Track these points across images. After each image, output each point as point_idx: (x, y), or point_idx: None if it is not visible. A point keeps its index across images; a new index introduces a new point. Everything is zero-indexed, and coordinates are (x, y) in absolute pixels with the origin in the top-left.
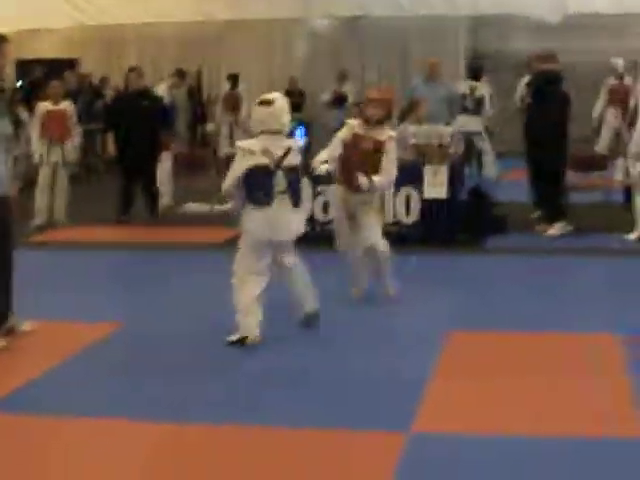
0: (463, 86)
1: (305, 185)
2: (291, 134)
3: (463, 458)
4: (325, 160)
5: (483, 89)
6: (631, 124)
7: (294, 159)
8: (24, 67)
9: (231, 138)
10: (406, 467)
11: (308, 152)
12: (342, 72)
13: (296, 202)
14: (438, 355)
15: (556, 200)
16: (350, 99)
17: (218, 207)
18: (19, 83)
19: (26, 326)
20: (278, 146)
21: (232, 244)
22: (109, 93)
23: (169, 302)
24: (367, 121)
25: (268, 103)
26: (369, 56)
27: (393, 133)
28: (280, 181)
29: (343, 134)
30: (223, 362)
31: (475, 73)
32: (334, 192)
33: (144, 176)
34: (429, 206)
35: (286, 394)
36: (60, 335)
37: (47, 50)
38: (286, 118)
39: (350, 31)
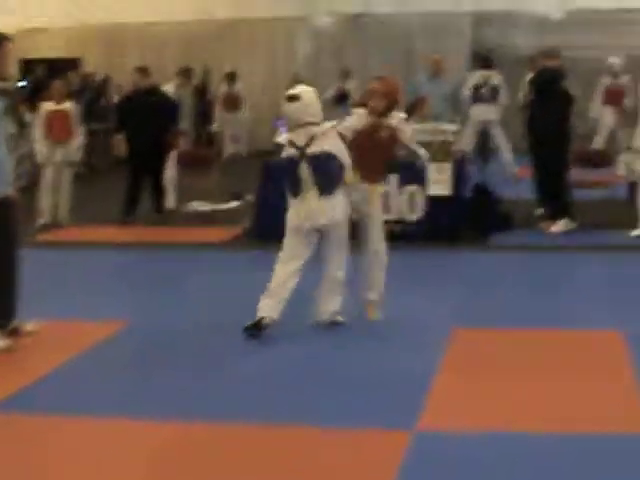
0: (475, 77)
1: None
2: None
3: (469, 455)
4: None
5: (497, 77)
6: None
7: (319, 146)
8: (27, 66)
9: (235, 137)
10: (411, 465)
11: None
12: (345, 69)
13: (323, 189)
14: (443, 352)
15: (560, 197)
16: (353, 96)
17: (222, 206)
18: (22, 83)
19: (30, 326)
20: (303, 136)
21: (236, 243)
22: (112, 92)
23: (174, 301)
24: (372, 112)
25: (295, 98)
26: (372, 53)
27: (402, 115)
28: (304, 171)
29: (356, 122)
30: (230, 359)
31: (487, 62)
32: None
33: (152, 174)
34: (433, 203)
35: (292, 392)
36: (66, 334)
37: (49, 49)
38: (315, 109)
39: (353, 28)
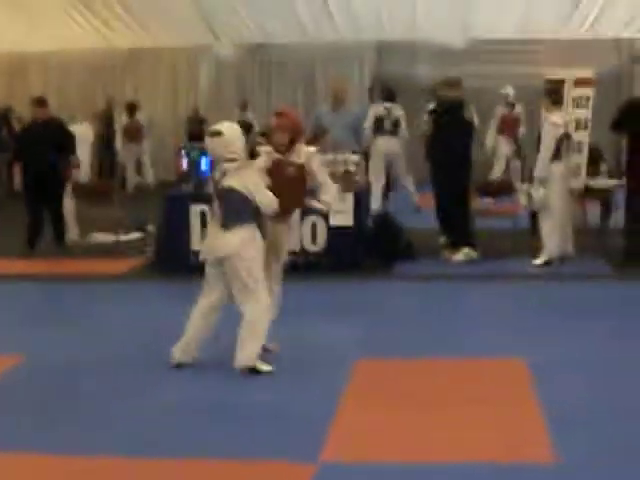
0: (377, 108)
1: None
2: (196, 163)
3: None
4: None
5: (399, 110)
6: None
7: (227, 181)
8: None
9: (138, 168)
10: None
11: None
12: (243, 101)
13: (224, 223)
14: (347, 383)
15: (461, 226)
16: (255, 127)
17: (124, 237)
18: None
19: None
20: (219, 171)
21: (137, 274)
22: (14, 123)
23: (75, 334)
24: (277, 149)
25: (217, 134)
26: (274, 83)
27: (310, 149)
28: (215, 205)
29: (263, 162)
30: (133, 393)
31: (390, 94)
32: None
33: (49, 205)
34: (335, 233)
35: (196, 426)
36: None
37: None
38: (237, 146)
39: (255, 58)
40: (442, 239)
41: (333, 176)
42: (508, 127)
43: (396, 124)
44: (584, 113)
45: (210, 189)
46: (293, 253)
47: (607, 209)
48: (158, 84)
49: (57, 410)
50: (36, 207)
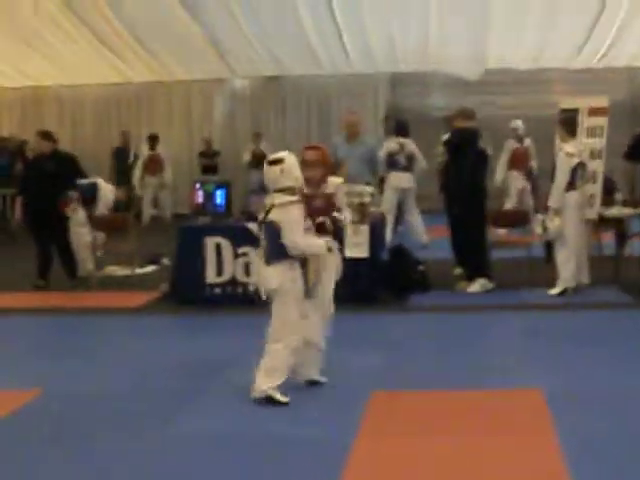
0: (390, 143)
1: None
2: (211, 196)
3: None
4: None
5: (412, 145)
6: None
7: (274, 215)
8: None
9: (156, 201)
10: None
11: (230, 214)
12: (256, 132)
13: (267, 258)
14: (362, 416)
15: (476, 257)
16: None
17: (139, 270)
18: None
19: None
20: (268, 203)
21: (151, 307)
22: (28, 157)
23: (91, 367)
24: (309, 183)
25: (278, 162)
26: (290, 115)
27: (337, 180)
28: (262, 237)
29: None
30: (148, 425)
31: (403, 129)
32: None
33: (55, 241)
34: (350, 265)
35: (213, 461)
36: None
37: None
38: (295, 175)
39: (269, 90)
40: (457, 270)
41: (348, 207)
42: (519, 161)
43: (410, 159)
44: (598, 142)
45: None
46: None
47: (622, 238)
48: (173, 118)
49: (75, 443)
50: (41, 240)
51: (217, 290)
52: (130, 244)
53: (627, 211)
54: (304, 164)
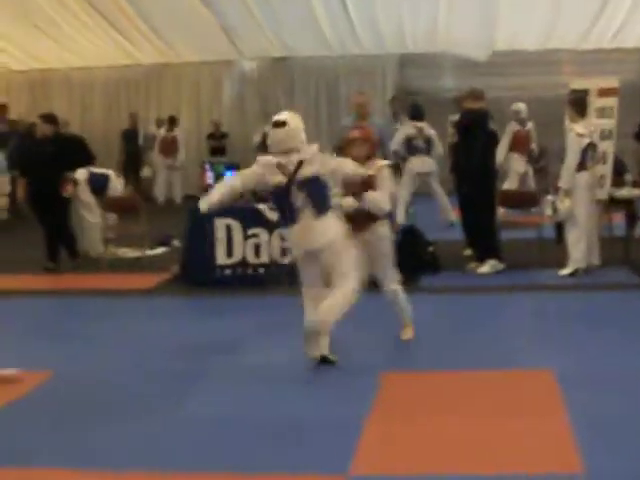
0: (407, 128)
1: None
2: (221, 177)
3: None
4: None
5: (430, 129)
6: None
7: (308, 169)
8: None
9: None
10: None
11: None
12: (266, 114)
13: (319, 211)
14: (373, 397)
15: (487, 238)
16: None
17: (149, 252)
18: None
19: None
20: (290, 162)
21: (162, 289)
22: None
23: (101, 348)
24: (355, 160)
25: (283, 124)
26: (298, 96)
27: (383, 162)
28: (296, 197)
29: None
30: (160, 406)
31: (418, 113)
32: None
33: (54, 222)
34: None
35: (225, 439)
36: None
37: None
38: (302, 135)
39: (277, 71)
40: (467, 251)
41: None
42: (520, 144)
43: (429, 142)
44: (609, 123)
45: (273, 182)
46: None
47: (632, 219)
48: (181, 100)
49: (87, 425)
50: (44, 222)
51: (227, 272)
52: (141, 226)
53: (637, 192)
54: (349, 142)
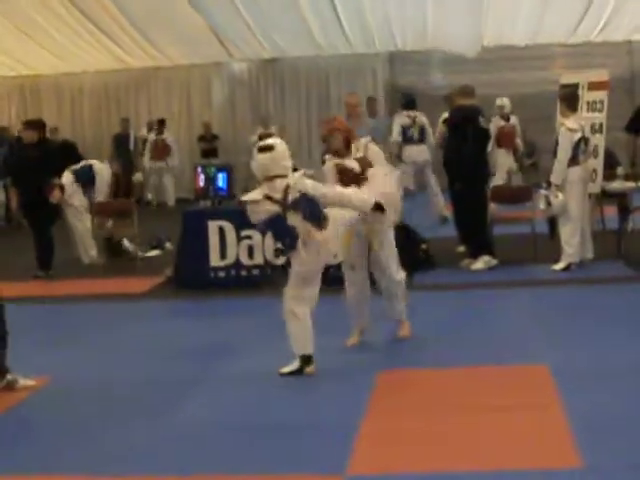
0: (401, 117)
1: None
2: (213, 180)
3: None
4: None
5: (423, 118)
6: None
7: (296, 191)
8: None
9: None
10: None
11: (232, 197)
12: (264, 117)
13: (320, 226)
14: (371, 394)
15: (479, 234)
16: None
17: (142, 254)
18: None
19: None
20: (276, 189)
21: (156, 292)
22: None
23: (98, 353)
24: (337, 153)
25: (269, 149)
26: (289, 97)
27: (364, 140)
28: (294, 220)
29: (330, 165)
30: (157, 410)
31: (411, 103)
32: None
33: (34, 230)
34: None
35: (224, 441)
36: None
37: None
38: (288, 162)
39: (268, 73)
40: (460, 247)
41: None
42: (506, 139)
43: (423, 131)
44: (599, 117)
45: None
46: None
47: (625, 212)
48: (172, 102)
49: (86, 430)
50: (34, 229)
51: (221, 273)
52: (132, 230)
53: (629, 185)
54: (325, 138)
